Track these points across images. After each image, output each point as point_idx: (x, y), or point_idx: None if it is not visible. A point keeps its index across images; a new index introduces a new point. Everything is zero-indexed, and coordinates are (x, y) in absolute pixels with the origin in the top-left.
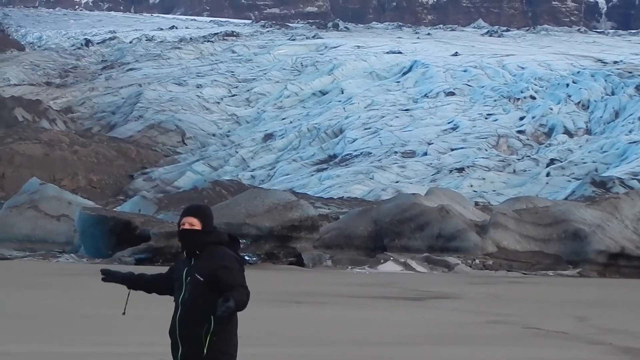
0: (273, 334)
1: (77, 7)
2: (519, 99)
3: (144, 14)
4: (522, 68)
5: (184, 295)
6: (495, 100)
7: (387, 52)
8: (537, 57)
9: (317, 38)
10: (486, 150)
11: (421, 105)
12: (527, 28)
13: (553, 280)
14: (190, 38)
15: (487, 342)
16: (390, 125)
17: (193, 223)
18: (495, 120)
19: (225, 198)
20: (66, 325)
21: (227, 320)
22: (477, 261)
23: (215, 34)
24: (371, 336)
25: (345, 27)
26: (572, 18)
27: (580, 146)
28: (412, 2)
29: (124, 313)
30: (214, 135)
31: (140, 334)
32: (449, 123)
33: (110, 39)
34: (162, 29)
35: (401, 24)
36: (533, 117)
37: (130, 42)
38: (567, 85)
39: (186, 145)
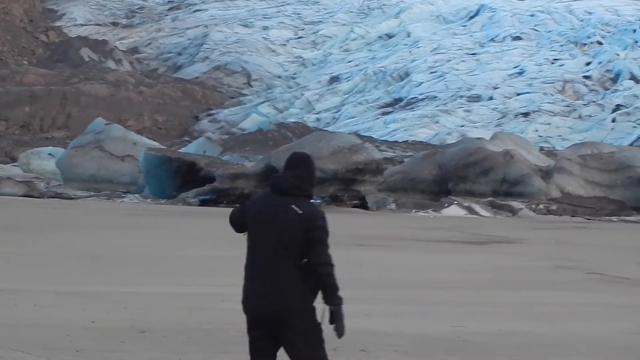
0: (336, 277)
1: None
2: (585, 44)
3: None
4: (590, 13)
5: None
6: (561, 45)
7: None
8: (604, 2)
9: None
10: (552, 95)
11: (487, 50)
12: None
13: (617, 226)
14: None
15: (550, 287)
16: (456, 69)
17: None
18: (561, 65)
19: (290, 140)
20: (132, 265)
21: None
22: (541, 206)
23: None
24: (436, 280)
25: None
26: None
27: None
28: None
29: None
30: (279, 77)
31: (206, 275)
32: (515, 67)
33: None
34: None
35: None
36: (599, 63)
37: None
38: (634, 30)
39: (252, 87)
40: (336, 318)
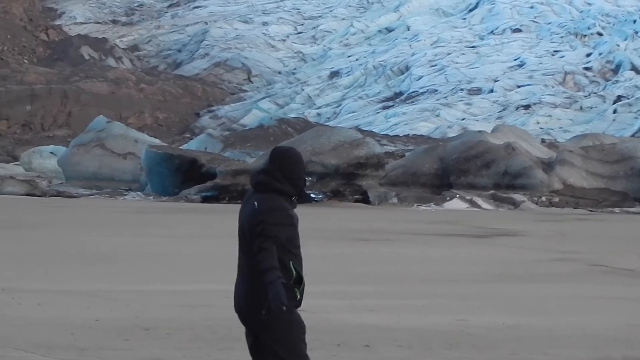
0: (340, 272)
1: None
2: (585, 35)
3: None
4: (589, 4)
5: None
6: (561, 37)
7: None
8: None
9: None
10: (553, 87)
11: (487, 42)
12: None
13: (619, 217)
14: None
15: (554, 280)
16: (457, 62)
17: None
18: (561, 57)
19: (291, 136)
20: (135, 263)
21: None
22: (543, 198)
23: None
24: (438, 274)
25: None
26: None
27: None
28: None
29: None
30: (279, 72)
31: (209, 272)
32: (515, 60)
33: None
34: None
35: None
36: (600, 54)
37: None
38: (634, 21)
39: (252, 83)
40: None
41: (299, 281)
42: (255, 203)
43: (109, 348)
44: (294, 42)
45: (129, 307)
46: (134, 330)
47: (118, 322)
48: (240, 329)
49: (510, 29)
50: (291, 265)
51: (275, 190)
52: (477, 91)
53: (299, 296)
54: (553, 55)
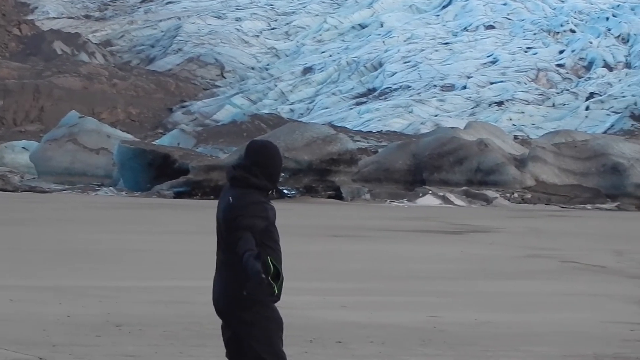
0: (312, 268)
1: None
2: (558, 32)
3: None
4: (562, 1)
5: None
6: (534, 34)
7: None
8: None
9: None
10: (525, 83)
11: (461, 39)
12: None
13: (591, 214)
14: None
15: (526, 277)
16: (430, 59)
17: None
18: (534, 54)
19: (264, 132)
20: (107, 259)
21: None
22: (515, 195)
23: None
24: (411, 270)
25: None
26: None
27: (620, 80)
28: None
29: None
30: (253, 68)
31: (181, 268)
32: (488, 56)
33: None
34: None
35: None
36: (572, 51)
37: None
38: (607, 18)
39: (225, 78)
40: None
41: (277, 276)
42: (231, 198)
43: (81, 344)
44: (267, 38)
45: (101, 303)
46: (106, 326)
47: (90, 318)
48: (213, 326)
49: (484, 25)
50: (269, 260)
51: (251, 186)
52: (450, 87)
53: (276, 291)
54: (526, 52)
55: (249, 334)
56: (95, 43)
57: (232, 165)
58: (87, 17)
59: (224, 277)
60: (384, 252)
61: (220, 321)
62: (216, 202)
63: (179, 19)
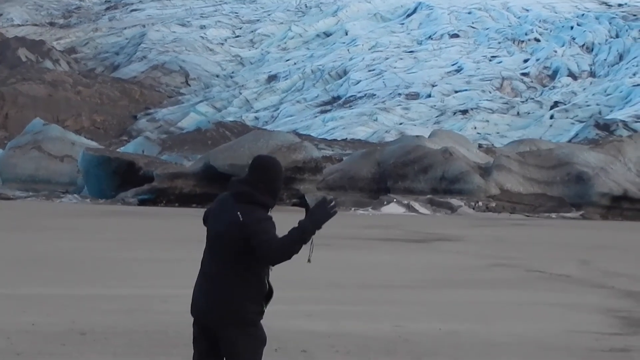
0: (277, 277)
1: None
2: (523, 41)
3: None
4: (527, 10)
5: None
6: (499, 43)
7: None
8: None
9: None
10: (490, 92)
11: (425, 47)
12: None
13: (556, 223)
14: None
15: (491, 286)
16: (394, 67)
17: None
18: (499, 63)
19: (229, 139)
20: (71, 267)
21: None
22: (480, 203)
23: None
24: (376, 279)
25: None
26: None
27: (584, 89)
28: None
29: (309, 260)
30: (217, 76)
31: (146, 276)
32: (453, 65)
33: None
34: None
35: None
36: (537, 60)
37: None
38: (572, 27)
39: (190, 86)
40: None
41: (270, 296)
42: (240, 215)
43: (45, 353)
44: (232, 46)
45: (66, 311)
46: (70, 334)
47: (55, 326)
48: (178, 335)
49: (448, 34)
50: (266, 280)
51: (255, 202)
52: (415, 96)
53: (265, 308)
54: (490, 60)
55: (233, 350)
56: (60, 50)
57: (238, 180)
58: (52, 24)
59: (217, 290)
60: (349, 260)
61: (184, 329)
62: (182, 209)
63: (144, 26)
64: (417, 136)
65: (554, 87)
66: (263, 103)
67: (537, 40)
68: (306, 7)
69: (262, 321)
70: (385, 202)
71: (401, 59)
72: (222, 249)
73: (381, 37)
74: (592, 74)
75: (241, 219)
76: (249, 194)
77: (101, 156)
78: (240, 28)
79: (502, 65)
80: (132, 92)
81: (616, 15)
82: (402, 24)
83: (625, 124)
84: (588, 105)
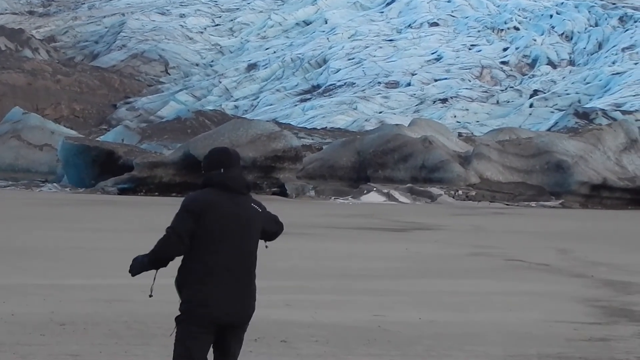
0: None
1: None
2: (502, 29)
3: None
4: None
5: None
6: (478, 31)
7: None
8: None
9: None
10: (470, 81)
11: (405, 36)
12: None
13: (535, 212)
14: None
15: (470, 275)
16: (374, 56)
17: None
18: (478, 51)
19: (209, 128)
20: (50, 257)
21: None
22: (460, 192)
23: None
24: (355, 269)
25: None
26: None
27: (564, 77)
28: None
29: (150, 295)
30: (197, 65)
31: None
32: (432, 54)
33: None
34: None
35: None
36: (517, 48)
37: None
38: (551, 16)
39: (169, 75)
40: None
41: None
42: (258, 207)
43: (24, 343)
44: (212, 35)
45: (45, 301)
46: (50, 325)
47: (34, 317)
48: (157, 325)
49: (428, 22)
50: None
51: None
52: (395, 84)
53: None
54: (470, 49)
55: (239, 345)
56: (39, 39)
57: (240, 173)
58: (31, 13)
59: (246, 282)
60: (328, 249)
61: (162, 320)
62: (162, 198)
63: (123, 15)
64: (396, 125)
65: (533, 76)
66: (243, 92)
67: (517, 28)
68: None
69: None
70: (365, 191)
71: (381, 47)
72: (253, 243)
73: (361, 25)
74: (572, 63)
75: (261, 211)
76: (249, 185)
77: (81, 145)
78: (220, 16)
79: (481, 54)
80: (111, 81)
81: (595, 3)
82: (382, 12)
83: (604, 113)
84: (567, 94)
